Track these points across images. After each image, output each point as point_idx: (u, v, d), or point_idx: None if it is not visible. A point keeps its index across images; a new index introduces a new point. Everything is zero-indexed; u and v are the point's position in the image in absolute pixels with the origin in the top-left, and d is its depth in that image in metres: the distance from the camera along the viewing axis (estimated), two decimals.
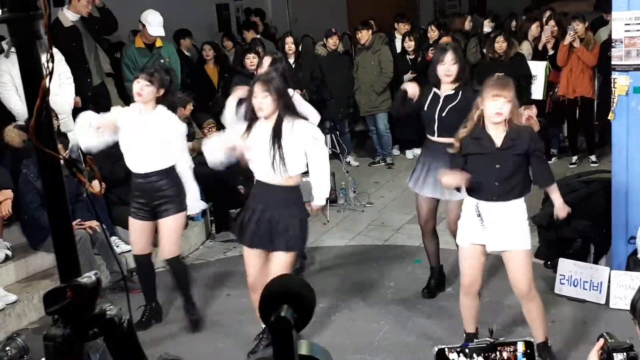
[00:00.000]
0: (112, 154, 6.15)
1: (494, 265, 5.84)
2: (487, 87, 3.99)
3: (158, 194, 4.83)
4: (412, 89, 5.00)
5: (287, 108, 4.26)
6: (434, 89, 4.96)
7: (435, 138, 4.93)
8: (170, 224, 4.90)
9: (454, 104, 4.84)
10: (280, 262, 4.25)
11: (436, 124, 4.90)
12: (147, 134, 4.73)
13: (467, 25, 9.78)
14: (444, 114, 4.86)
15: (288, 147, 4.20)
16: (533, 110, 7.90)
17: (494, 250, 4.19)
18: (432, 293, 5.41)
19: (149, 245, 5.08)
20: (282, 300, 1.13)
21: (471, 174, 4.04)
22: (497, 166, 4.02)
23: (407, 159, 9.40)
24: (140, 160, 4.82)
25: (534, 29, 8.82)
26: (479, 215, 4.07)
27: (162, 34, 7.54)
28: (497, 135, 4.03)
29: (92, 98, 7.07)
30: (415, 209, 5.32)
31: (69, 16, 6.76)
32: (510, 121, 4.01)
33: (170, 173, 4.85)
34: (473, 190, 4.10)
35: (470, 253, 4.22)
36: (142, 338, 1.41)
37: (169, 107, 4.90)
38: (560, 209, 4.28)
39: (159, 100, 4.81)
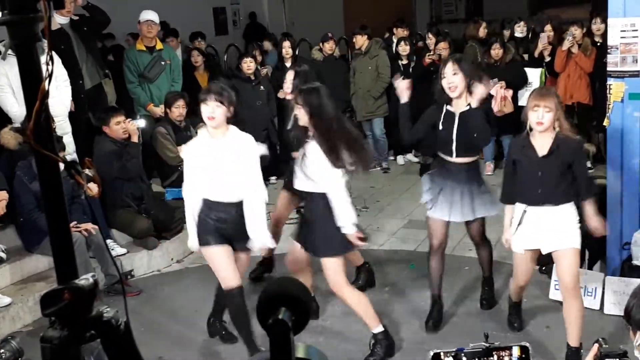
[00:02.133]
0: (122, 153, 6.18)
1: None
2: (528, 98, 4.24)
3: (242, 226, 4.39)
4: (401, 85, 4.78)
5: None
6: (446, 107, 4.66)
7: (453, 159, 4.67)
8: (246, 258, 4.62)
9: (470, 121, 4.55)
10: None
11: (454, 145, 4.62)
12: (225, 160, 4.30)
13: (482, 32, 9.70)
14: (461, 134, 4.59)
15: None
16: (509, 92, 7.98)
17: (548, 250, 4.30)
18: (436, 325, 4.94)
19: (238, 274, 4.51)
20: (279, 303, 1.14)
21: (519, 179, 4.30)
22: (540, 174, 4.17)
23: (399, 165, 9.48)
24: (220, 189, 4.35)
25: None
26: (521, 221, 4.28)
27: (153, 17, 7.57)
28: (543, 143, 4.17)
29: (86, 101, 7.08)
30: (428, 231, 4.96)
31: (56, 18, 6.77)
32: (558, 130, 4.15)
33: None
34: (520, 195, 4.30)
35: (525, 258, 4.43)
36: (138, 340, 1.41)
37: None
38: (594, 225, 4.28)
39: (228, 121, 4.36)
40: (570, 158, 4.15)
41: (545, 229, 4.21)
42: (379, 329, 4.53)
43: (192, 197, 4.43)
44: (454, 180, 4.67)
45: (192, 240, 4.51)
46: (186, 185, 4.46)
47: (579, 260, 4.37)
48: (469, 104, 4.59)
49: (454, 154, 4.64)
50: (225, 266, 4.41)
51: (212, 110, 4.22)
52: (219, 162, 4.28)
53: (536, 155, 4.17)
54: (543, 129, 4.11)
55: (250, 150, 4.38)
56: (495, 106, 8.12)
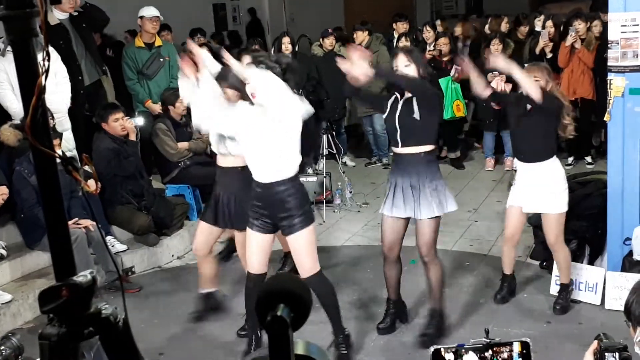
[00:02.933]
0: (121, 150, 6.18)
1: (491, 268, 5.86)
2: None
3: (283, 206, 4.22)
4: (345, 64, 4.47)
5: None
6: (396, 93, 4.52)
7: (399, 149, 4.47)
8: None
9: (413, 106, 4.36)
10: None
11: (399, 133, 4.43)
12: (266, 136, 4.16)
13: (504, 26, 9.61)
14: (404, 121, 4.40)
15: None
16: (508, 86, 8.14)
17: (530, 211, 4.97)
18: (392, 328, 4.83)
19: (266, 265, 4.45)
20: (278, 299, 1.13)
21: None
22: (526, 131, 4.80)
23: None
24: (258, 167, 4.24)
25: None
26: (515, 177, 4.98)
27: (157, 14, 7.56)
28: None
29: (85, 97, 7.07)
30: (380, 234, 4.74)
31: (55, 14, 6.75)
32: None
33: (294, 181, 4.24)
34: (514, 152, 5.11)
35: (513, 212, 4.99)
36: (138, 337, 1.40)
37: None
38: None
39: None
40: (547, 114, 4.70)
41: (532, 188, 4.78)
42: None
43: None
44: (402, 173, 4.46)
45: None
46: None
47: (563, 221, 4.83)
48: None
49: (399, 143, 4.44)
50: (252, 256, 4.37)
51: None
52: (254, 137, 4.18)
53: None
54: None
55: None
56: None
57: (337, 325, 4.46)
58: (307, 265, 4.29)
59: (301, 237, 4.21)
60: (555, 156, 4.82)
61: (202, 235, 4.93)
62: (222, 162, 4.77)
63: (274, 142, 4.07)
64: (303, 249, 4.26)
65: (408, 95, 4.41)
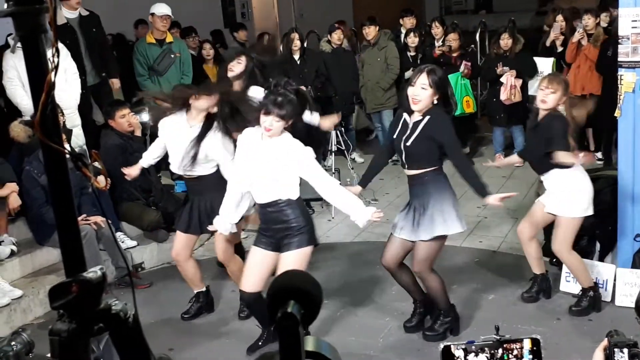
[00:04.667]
0: (126, 146, 6.19)
1: (501, 264, 5.84)
2: (540, 81, 4.83)
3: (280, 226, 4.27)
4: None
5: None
6: (404, 115, 4.43)
7: (406, 171, 4.47)
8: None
9: (419, 131, 4.31)
10: None
11: (403, 155, 4.40)
12: (266, 161, 4.19)
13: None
14: (409, 143, 4.34)
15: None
16: (519, 81, 8.16)
17: (549, 211, 4.91)
18: (419, 326, 4.79)
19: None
20: (289, 296, 1.13)
21: None
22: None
23: None
24: (257, 188, 4.27)
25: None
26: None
27: (169, 11, 7.55)
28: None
29: (89, 95, 7.08)
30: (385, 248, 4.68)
31: (63, 12, 6.76)
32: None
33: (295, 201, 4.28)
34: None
35: (539, 209, 4.98)
36: (148, 332, 1.40)
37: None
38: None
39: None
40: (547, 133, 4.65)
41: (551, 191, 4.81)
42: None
43: (237, 186, 4.38)
44: (411, 193, 4.50)
45: (219, 222, 4.54)
46: (234, 174, 4.41)
47: (575, 228, 4.77)
48: (423, 114, 4.32)
49: (406, 166, 4.44)
50: (248, 271, 4.40)
51: (271, 123, 4.06)
52: (257, 161, 4.18)
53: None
54: (545, 107, 4.64)
55: (297, 155, 4.15)
56: (504, 94, 8.09)
57: None
58: None
59: (294, 255, 4.21)
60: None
61: (180, 243, 5.06)
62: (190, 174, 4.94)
63: (272, 167, 4.15)
64: (293, 267, 4.08)
65: (417, 118, 4.34)
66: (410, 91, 4.29)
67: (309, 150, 4.15)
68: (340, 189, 4.28)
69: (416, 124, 4.34)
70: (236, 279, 4.95)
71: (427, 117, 4.31)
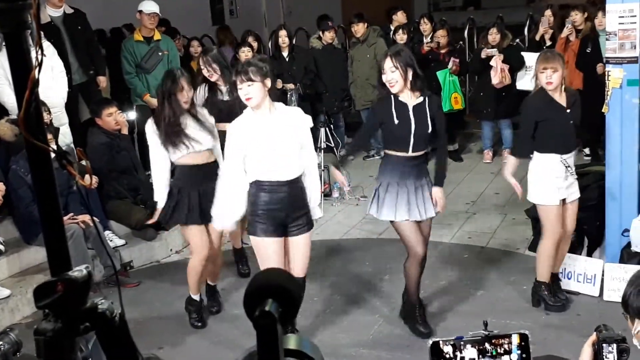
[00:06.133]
0: (113, 145, 6.16)
1: (489, 260, 5.87)
2: (536, 62, 4.69)
3: (299, 203, 4.28)
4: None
5: None
6: (397, 98, 4.43)
7: (409, 154, 4.46)
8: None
9: (425, 113, 4.43)
10: None
11: (412, 140, 4.42)
12: (277, 137, 4.15)
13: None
14: (421, 126, 4.42)
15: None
16: (505, 66, 8.14)
17: (573, 199, 4.81)
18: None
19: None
20: (267, 294, 1.11)
21: (550, 133, 4.63)
22: (571, 123, 4.70)
23: None
24: (273, 168, 4.17)
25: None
26: (567, 167, 4.66)
27: (157, 9, 7.52)
28: (561, 98, 4.68)
29: (76, 94, 7.04)
30: (403, 240, 4.64)
31: (47, 11, 6.71)
32: (565, 86, 4.73)
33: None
34: (557, 146, 4.64)
35: (560, 209, 4.75)
36: (137, 331, 1.40)
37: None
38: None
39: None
40: (579, 109, 4.75)
41: (571, 178, 4.73)
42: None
43: (234, 179, 4.24)
44: (408, 176, 4.48)
45: (219, 221, 4.51)
46: (228, 167, 4.28)
47: (545, 216, 4.79)
48: (422, 96, 4.43)
49: (411, 149, 4.43)
50: (271, 262, 4.20)
51: (246, 92, 4.07)
52: (271, 139, 4.12)
53: (564, 108, 4.67)
54: (553, 87, 4.61)
55: (302, 122, 4.23)
56: (496, 78, 8.08)
57: None
58: (305, 265, 4.42)
59: (308, 237, 4.38)
60: (537, 152, 4.71)
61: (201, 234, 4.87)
62: (184, 161, 4.75)
63: (290, 140, 4.17)
64: (308, 249, 4.41)
65: (417, 100, 4.43)
66: (384, 78, 4.41)
67: (309, 118, 4.31)
68: (317, 172, 4.52)
69: (419, 106, 4.43)
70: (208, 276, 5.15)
71: (427, 98, 4.47)
